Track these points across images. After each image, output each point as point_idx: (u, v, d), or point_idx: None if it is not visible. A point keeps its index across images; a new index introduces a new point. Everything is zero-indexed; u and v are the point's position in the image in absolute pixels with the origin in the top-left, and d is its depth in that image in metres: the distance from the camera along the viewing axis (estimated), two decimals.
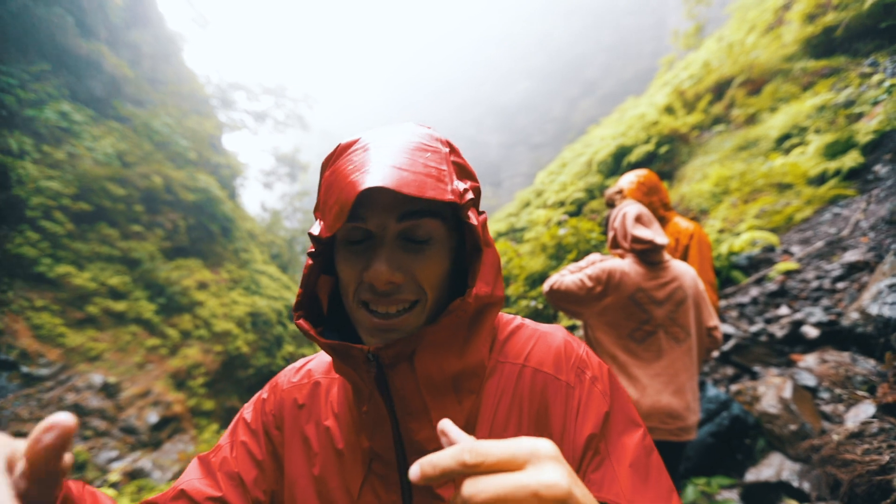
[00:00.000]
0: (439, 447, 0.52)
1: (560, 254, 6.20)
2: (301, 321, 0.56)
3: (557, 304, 1.82)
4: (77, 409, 7.17)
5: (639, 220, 1.81)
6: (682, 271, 1.78)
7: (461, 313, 0.52)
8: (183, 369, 9.66)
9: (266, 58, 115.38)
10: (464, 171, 0.56)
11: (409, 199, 0.50)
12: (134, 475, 6.88)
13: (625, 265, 1.76)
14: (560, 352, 0.61)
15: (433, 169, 0.50)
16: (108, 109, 11.71)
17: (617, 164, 11.91)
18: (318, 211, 0.55)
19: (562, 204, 12.57)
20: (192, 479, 0.64)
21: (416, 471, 0.32)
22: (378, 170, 0.46)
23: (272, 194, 28.46)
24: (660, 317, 1.71)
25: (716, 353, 3.72)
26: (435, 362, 0.54)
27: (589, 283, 1.73)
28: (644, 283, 1.72)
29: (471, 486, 0.30)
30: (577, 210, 11.65)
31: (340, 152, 0.54)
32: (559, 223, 7.11)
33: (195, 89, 18.04)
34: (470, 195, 0.54)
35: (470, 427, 0.58)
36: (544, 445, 0.33)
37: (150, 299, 10.13)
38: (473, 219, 0.53)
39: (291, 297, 16.42)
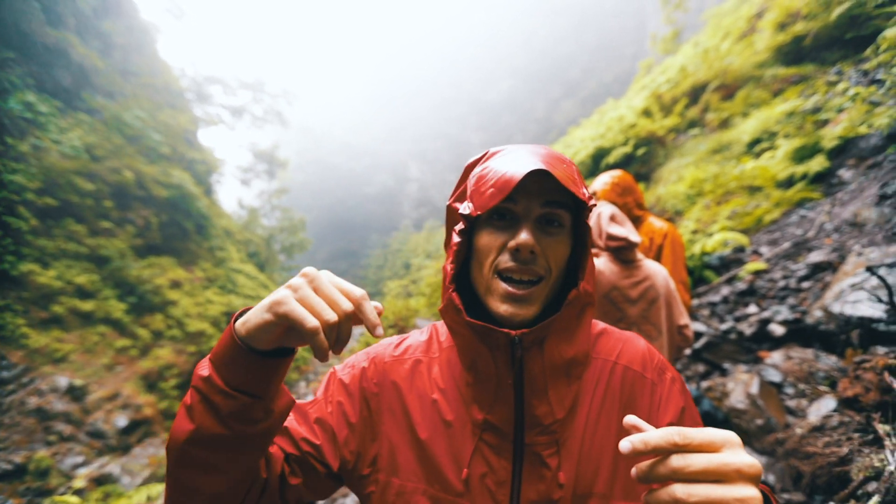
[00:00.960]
0: (554, 421, 0.64)
1: None
2: (454, 294, 0.64)
3: None
4: (40, 413, 6.88)
5: (613, 219, 1.85)
6: (655, 271, 1.81)
7: (577, 303, 0.63)
8: (154, 371, 9.37)
9: (244, 52, 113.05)
10: (584, 185, 0.66)
11: (553, 190, 0.63)
12: (101, 481, 6.64)
13: (600, 263, 1.79)
14: (645, 354, 0.73)
15: (572, 173, 0.63)
16: (77, 101, 11.25)
17: (596, 164, 12.08)
18: (466, 197, 0.67)
19: None
20: (290, 419, 0.71)
21: (626, 445, 0.40)
22: (535, 163, 0.58)
23: (250, 191, 27.91)
24: (633, 315, 1.73)
25: (688, 351, 3.80)
26: (558, 348, 0.64)
27: None
28: (618, 282, 1.75)
29: (680, 460, 0.39)
30: None
31: (491, 155, 0.68)
32: None
33: (169, 82, 17.50)
34: (593, 202, 0.63)
35: (572, 408, 0.67)
36: (735, 437, 0.42)
37: (119, 298, 9.79)
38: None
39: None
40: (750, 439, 2.61)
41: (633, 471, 0.43)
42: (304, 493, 0.68)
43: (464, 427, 0.67)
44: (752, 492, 0.38)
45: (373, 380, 0.73)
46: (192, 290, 12.10)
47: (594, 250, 1.89)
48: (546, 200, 0.63)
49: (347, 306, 0.51)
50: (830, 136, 6.75)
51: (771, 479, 2.35)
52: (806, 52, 10.25)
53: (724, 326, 4.03)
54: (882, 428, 2.09)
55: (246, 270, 16.32)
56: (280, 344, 0.54)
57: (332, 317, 0.49)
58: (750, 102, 10.24)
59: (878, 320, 2.82)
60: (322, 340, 0.47)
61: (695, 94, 12.33)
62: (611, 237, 1.78)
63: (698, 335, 3.97)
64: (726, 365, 3.47)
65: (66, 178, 9.55)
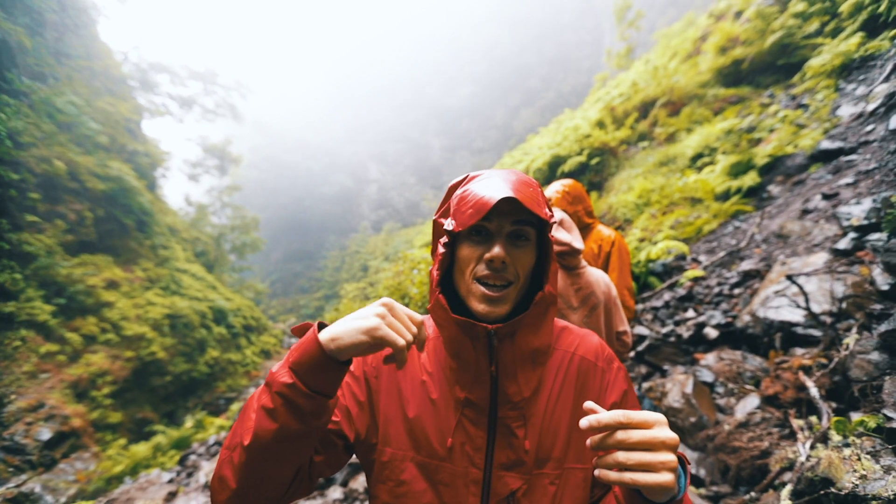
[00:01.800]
0: (522, 399, 0.79)
1: None
2: (441, 296, 0.78)
3: None
4: None
5: (560, 224, 1.87)
6: (597, 278, 1.86)
7: (543, 303, 0.78)
8: (85, 378, 8.66)
9: (195, 40, 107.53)
10: (548, 205, 0.81)
11: (520, 211, 0.76)
12: (19, 501, 6.04)
13: None
14: (598, 348, 0.90)
15: (537, 196, 0.77)
16: None
17: (552, 172, 12.46)
18: (449, 215, 0.80)
19: None
20: None
21: (585, 423, 0.56)
22: (507, 191, 0.71)
23: (199, 187, 26.49)
24: (574, 321, 1.77)
25: (631, 354, 3.99)
26: (526, 340, 0.78)
27: None
28: (561, 289, 1.79)
29: (622, 434, 0.55)
30: None
31: (471, 178, 0.82)
32: None
33: (110, 67, 16.32)
34: (555, 219, 0.81)
35: (537, 389, 0.82)
36: (663, 418, 0.57)
37: (46, 300, 8.98)
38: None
39: (217, 298, 15.33)
40: (685, 436, 2.77)
41: (588, 441, 0.58)
42: (324, 469, 0.80)
43: (448, 404, 0.81)
44: (671, 457, 0.54)
45: (372, 364, 0.87)
46: (130, 290, 11.30)
47: None
48: (515, 220, 0.77)
49: (414, 330, 0.67)
50: (762, 153, 7.33)
51: (702, 473, 2.50)
52: (743, 75, 11.12)
53: (664, 330, 4.26)
54: (796, 423, 2.28)
55: (192, 270, 15.45)
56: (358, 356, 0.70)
57: (409, 338, 0.65)
58: (694, 119, 10.95)
59: (797, 324, 3.09)
60: (406, 355, 0.64)
61: (645, 108, 13.03)
62: (555, 241, 1.80)
63: (642, 338, 4.17)
64: (666, 367, 3.67)
65: None
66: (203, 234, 20.94)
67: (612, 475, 0.56)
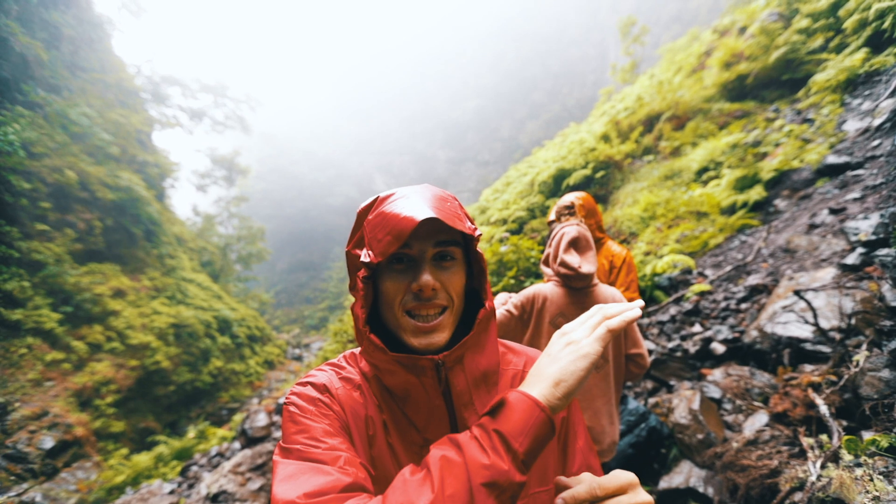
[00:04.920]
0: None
1: (501, 270, 6.33)
2: (373, 336, 0.70)
3: None
4: None
5: (574, 243, 1.82)
6: (605, 298, 1.82)
7: (485, 321, 0.73)
8: (89, 386, 8.68)
9: (206, 54, 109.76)
10: (468, 217, 0.76)
11: (441, 231, 0.70)
12: None
13: (547, 290, 1.79)
14: None
15: (456, 211, 0.72)
16: (15, 93, 10.49)
17: (557, 185, 12.49)
18: (364, 245, 0.72)
19: (504, 222, 12.94)
20: (331, 457, 0.64)
21: (560, 503, 0.55)
22: (425, 211, 0.64)
23: (206, 198, 26.79)
24: None
25: None
26: (475, 361, 0.73)
27: (515, 312, 1.77)
28: (565, 309, 1.75)
29: None
30: (519, 228, 12.04)
31: (381, 201, 0.73)
32: (501, 240, 7.29)
33: (123, 79, 16.68)
34: (479, 232, 0.74)
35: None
36: (635, 478, 0.57)
37: (53, 308, 9.05)
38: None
39: (222, 308, 15.37)
40: (692, 453, 2.72)
41: None
42: None
43: (408, 447, 0.73)
44: None
45: (333, 405, 0.75)
46: (136, 299, 11.37)
47: (547, 270, 1.92)
48: (437, 241, 0.71)
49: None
50: (768, 168, 7.31)
51: (710, 491, 2.45)
52: (748, 90, 11.16)
53: (671, 345, 4.22)
54: (806, 441, 2.24)
55: (198, 280, 15.53)
56: None
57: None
58: (699, 133, 10.98)
59: (805, 340, 3.05)
60: None
61: (650, 122, 13.08)
62: (563, 264, 1.77)
63: (648, 353, 4.13)
64: (672, 382, 3.63)
65: None
66: (210, 243, 21.11)
67: None
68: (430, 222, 0.68)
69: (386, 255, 0.66)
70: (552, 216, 2.23)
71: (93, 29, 15.32)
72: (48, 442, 7.17)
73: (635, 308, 0.60)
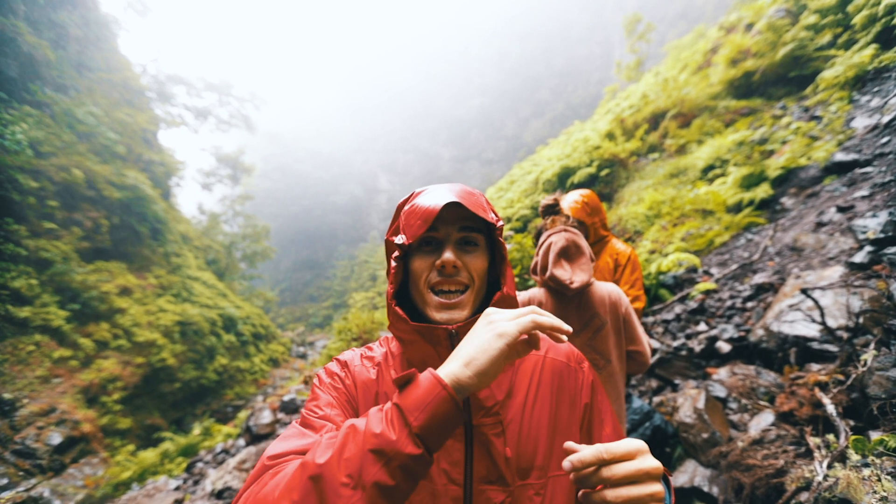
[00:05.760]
0: (495, 403, 0.78)
1: None
2: (398, 308, 0.78)
3: None
4: None
5: (564, 253, 1.73)
6: (601, 296, 1.74)
7: (501, 303, 0.79)
8: (96, 383, 8.75)
9: (211, 53, 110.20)
10: (493, 210, 0.84)
11: (466, 217, 0.79)
12: None
13: (540, 294, 1.76)
14: (569, 349, 0.92)
15: (481, 202, 0.81)
16: (22, 93, 10.58)
17: (561, 183, 12.45)
18: (399, 231, 0.82)
19: (508, 220, 12.91)
20: (330, 425, 0.72)
21: (567, 465, 0.55)
22: (450, 197, 0.75)
23: (211, 196, 27.00)
24: (577, 345, 1.69)
25: None
26: None
27: None
28: (560, 312, 1.71)
29: (607, 471, 0.54)
30: (523, 226, 12.02)
31: (416, 195, 0.84)
32: (505, 239, 7.25)
33: (129, 79, 16.78)
34: (502, 223, 0.83)
35: (510, 393, 0.81)
36: (644, 445, 0.56)
37: (60, 305, 9.13)
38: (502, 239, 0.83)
39: (227, 306, 15.46)
40: (697, 453, 2.71)
41: (572, 476, 0.56)
42: None
43: None
44: (657, 487, 0.54)
45: (346, 380, 0.83)
46: (143, 297, 11.45)
47: (537, 278, 1.84)
48: (461, 226, 0.80)
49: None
50: (775, 165, 7.25)
51: (715, 490, 2.44)
52: (755, 87, 11.06)
53: (675, 343, 4.19)
54: (813, 441, 2.22)
55: (204, 278, 15.62)
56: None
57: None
58: (704, 131, 10.89)
59: (812, 339, 3.02)
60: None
61: (655, 120, 13.00)
62: (552, 278, 1.70)
63: (652, 352, 4.11)
64: (677, 380, 3.60)
65: (5, 174, 8.90)
66: (215, 242, 21.23)
67: None
68: (455, 208, 0.78)
69: (416, 236, 0.76)
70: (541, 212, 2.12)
71: (99, 28, 15.41)
72: (56, 438, 7.25)
73: (566, 327, 0.62)
